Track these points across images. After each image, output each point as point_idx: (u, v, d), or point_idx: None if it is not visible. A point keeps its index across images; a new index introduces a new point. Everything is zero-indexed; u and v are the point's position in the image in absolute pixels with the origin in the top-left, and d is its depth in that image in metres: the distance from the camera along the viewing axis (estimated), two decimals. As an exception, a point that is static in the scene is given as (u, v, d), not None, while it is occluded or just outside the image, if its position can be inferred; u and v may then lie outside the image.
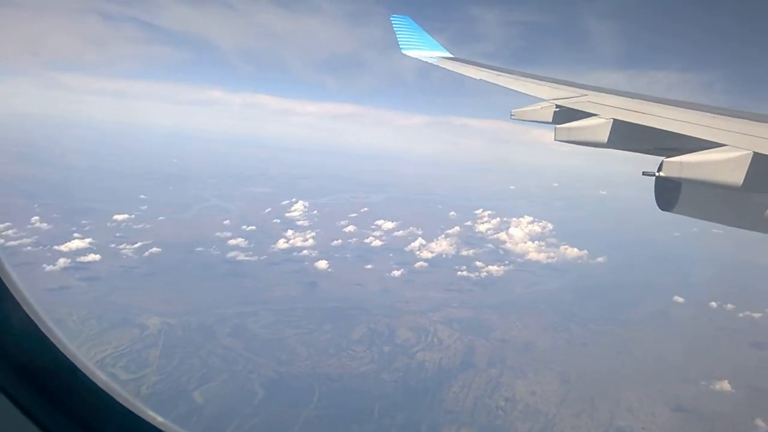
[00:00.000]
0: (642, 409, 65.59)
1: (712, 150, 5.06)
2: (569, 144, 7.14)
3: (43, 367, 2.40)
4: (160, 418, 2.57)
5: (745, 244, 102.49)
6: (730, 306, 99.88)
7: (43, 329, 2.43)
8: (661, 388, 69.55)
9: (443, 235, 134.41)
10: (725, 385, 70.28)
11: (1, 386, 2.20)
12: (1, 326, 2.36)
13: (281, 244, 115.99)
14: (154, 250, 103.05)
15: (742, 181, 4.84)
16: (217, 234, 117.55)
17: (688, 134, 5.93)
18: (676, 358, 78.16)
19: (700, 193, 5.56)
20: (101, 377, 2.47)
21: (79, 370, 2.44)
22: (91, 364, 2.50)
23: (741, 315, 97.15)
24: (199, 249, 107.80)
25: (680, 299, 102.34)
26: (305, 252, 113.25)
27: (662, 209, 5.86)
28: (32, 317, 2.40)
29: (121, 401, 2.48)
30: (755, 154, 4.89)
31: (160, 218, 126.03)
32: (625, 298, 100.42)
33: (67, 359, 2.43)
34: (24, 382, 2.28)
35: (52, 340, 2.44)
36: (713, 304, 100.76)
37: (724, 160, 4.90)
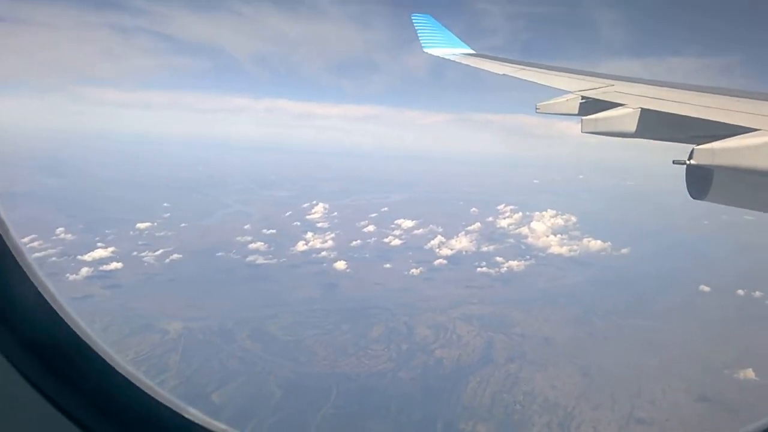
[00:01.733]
0: (664, 400, 64.42)
1: (744, 135, 4.94)
2: (596, 135, 7.11)
3: (57, 345, 2.43)
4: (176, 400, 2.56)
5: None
6: (758, 293, 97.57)
7: (56, 308, 2.43)
8: (685, 379, 68.24)
9: (463, 232, 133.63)
10: (749, 374, 68.59)
11: (11, 360, 2.23)
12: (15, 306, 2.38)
13: (300, 246, 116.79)
14: (176, 256, 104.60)
15: None
16: (238, 239, 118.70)
17: (718, 120, 5.82)
18: (700, 347, 76.55)
19: (733, 179, 5.48)
20: (116, 359, 2.48)
21: (95, 352, 2.45)
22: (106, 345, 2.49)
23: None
24: (220, 254, 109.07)
25: (706, 288, 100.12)
26: (324, 253, 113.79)
27: (694, 198, 5.80)
28: (47, 298, 2.42)
29: (135, 382, 2.49)
30: None
31: (182, 225, 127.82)
32: (650, 290, 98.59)
33: (80, 338, 2.44)
34: (35, 358, 2.32)
35: (66, 320, 2.45)
36: (740, 292, 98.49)
37: (757, 145, 4.75)
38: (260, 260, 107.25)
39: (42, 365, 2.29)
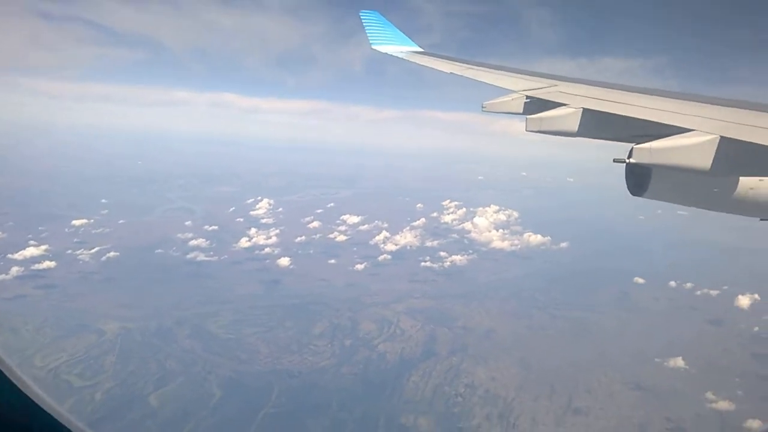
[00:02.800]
0: (600, 389, 66.48)
1: (680, 135, 5.10)
2: (539, 134, 7.14)
3: None
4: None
5: (707, 224, 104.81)
6: (688, 285, 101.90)
7: None
8: (620, 369, 70.64)
9: (408, 228, 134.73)
10: (679, 362, 71.70)
11: None
12: None
13: (243, 242, 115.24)
14: (112, 254, 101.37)
15: (710, 165, 4.89)
16: (179, 235, 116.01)
17: (656, 121, 5.95)
18: (634, 338, 79.53)
19: (670, 177, 5.65)
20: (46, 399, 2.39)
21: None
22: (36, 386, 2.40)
23: (699, 293, 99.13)
24: (159, 251, 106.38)
25: (641, 280, 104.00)
26: (268, 250, 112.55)
27: (633, 194, 5.93)
28: None
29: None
30: (722, 138, 4.94)
31: (121, 222, 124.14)
32: (587, 282, 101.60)
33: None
34: None
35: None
36: (672, 283, 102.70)
37: (692, 145, 4.94)
38: (201, 257, 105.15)
39: None
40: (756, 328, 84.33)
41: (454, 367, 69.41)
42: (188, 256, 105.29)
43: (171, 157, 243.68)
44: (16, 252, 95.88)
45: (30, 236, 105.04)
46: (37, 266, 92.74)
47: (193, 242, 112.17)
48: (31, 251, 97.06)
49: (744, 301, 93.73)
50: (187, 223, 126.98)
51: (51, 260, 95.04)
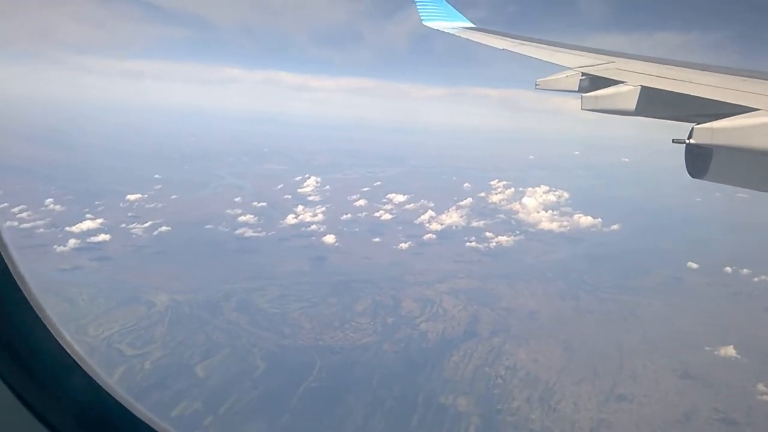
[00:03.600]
0: (646, 376, 64.91)
1: (744, 115, 4.95)
2: (595, 112, 7.08)
3: (44, 359, 2.45)
4: (155, 418, 2.59)
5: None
6: (745, 271, 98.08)
7: (46, 323, 2.45)
8: (667, 355, 68.82)
9: (454, 207, 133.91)
10: (730, 351, 69.12)
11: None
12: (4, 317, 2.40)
13: (290, 219, 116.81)
14: (164, 228, 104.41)
15: None
16: (228, 211, 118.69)
17: (718, 99, 5.79)
18: (685, 324, 77.31)
19: (733, 159, 5.49)
20: (100, 374, 2.53)
21: (79, 366, 2.47)
22: (90, 359, 2.51)
23: (756, 280, 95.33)
24: (209, 227, 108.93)
25: (694, 265, 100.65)
26: (314, 227, 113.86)
27: (693, 176, 5.80)
28: (36, 311, 2.42)
29: (119, 399, 2.52)
30: None
31: (173, 197, 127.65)
32: (638, 265, 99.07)
33: (67, 353, 2.46)
34: (24, 373, 2.35)
35: (53, 333, 2.45)
36: (728, 269, 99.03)
37: (757, 125, 4.78)
38: (249, 233, 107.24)
39: (21, 370, 2.30)
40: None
41: (495, 348, 68.94)
42: (237, 232, 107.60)
43: (222, 135, 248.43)
44: (74, 225, 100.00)
45: (87, 210, 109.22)
46: (92, 239, 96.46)
47: (242, 218, 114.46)
48: (87, 224, 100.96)
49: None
50: (236, 199, 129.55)
51: (106, 233, 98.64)
